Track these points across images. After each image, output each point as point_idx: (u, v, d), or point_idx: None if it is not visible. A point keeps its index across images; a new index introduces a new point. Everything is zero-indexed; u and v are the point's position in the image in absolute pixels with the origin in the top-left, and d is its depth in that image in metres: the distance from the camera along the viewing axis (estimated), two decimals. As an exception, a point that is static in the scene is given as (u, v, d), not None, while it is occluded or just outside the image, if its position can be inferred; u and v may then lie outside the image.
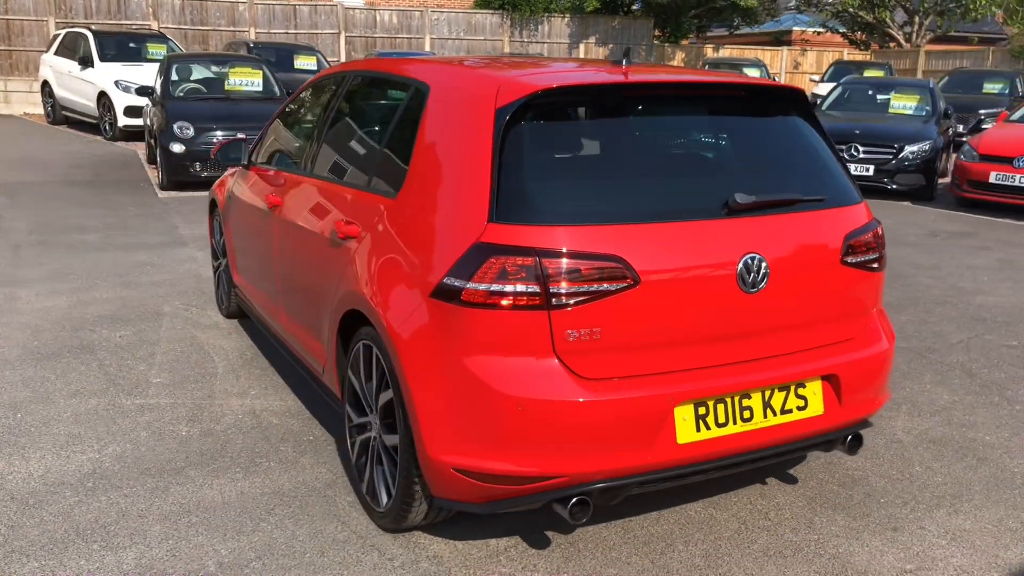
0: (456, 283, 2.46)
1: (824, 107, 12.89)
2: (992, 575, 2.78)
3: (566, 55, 23.96)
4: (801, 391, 2.70)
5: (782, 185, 2.81)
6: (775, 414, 2.65)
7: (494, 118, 2.58)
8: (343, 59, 21.46)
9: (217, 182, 5.36)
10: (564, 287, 2.38)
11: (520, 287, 2.39)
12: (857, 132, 10.93)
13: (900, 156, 10.65)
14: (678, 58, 25.81)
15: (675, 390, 2.48)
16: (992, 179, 9.90)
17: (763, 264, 2.60)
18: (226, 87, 11.43)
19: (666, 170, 2.79)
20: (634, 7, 25.43)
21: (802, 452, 2.99)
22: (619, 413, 2.42)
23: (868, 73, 20.52)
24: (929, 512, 3.16)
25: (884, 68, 21.68)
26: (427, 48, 22.90)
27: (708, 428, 2.55)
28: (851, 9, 25.83)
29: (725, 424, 2.58)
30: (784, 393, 2.66)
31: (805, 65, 27.22)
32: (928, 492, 3.32)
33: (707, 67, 21.26)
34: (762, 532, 2.99)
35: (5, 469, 3.36)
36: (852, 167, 10.86)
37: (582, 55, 24.38)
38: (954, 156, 11.17)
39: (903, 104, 11.87)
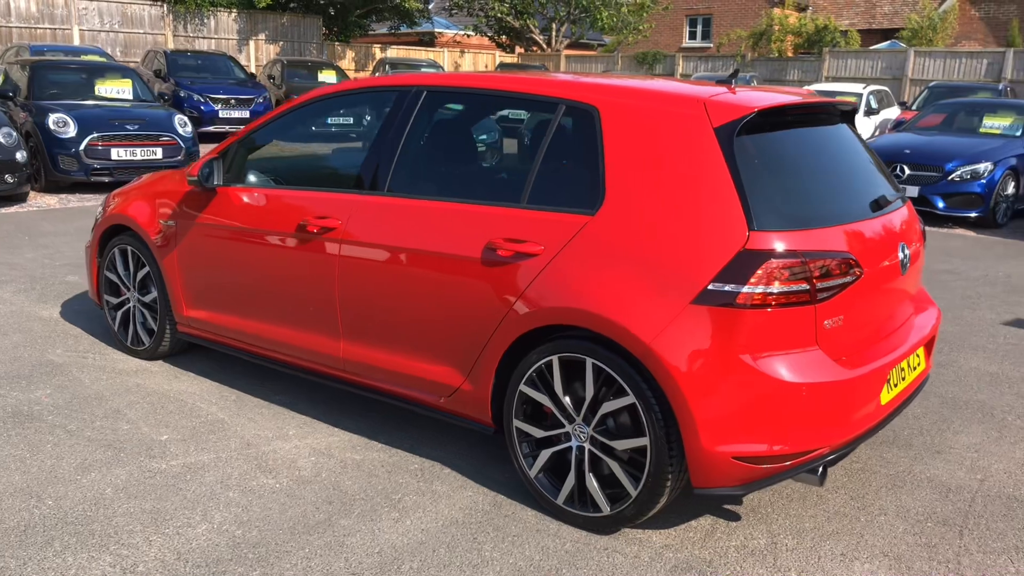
0: (727, 288, 2.70)
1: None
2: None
3: (235, 52, 22.87)
4: (919, 351, 3.35)
5: (888, 186, 3.43)
6: (911, 371, 3.28)
7: (715, 136, 2.85)
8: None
9: (118, 206, 4.68)
10: (823, 283, 2.76)
11: (793, 287, 2.71)
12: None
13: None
14: (348, 57, 25.94)
15: (889, 359, 2.99)
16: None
17: (907, 250, 3.20)
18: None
19: (841, 176, 3.25)
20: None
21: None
22: (865, 385, 2.87)
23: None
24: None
25: (540, 69, 23.92)
26: (76, 41, 20.41)
27: (891, 388, 3.09)
28: (499, 15, 27.98)
29: (897, 384, 3.14)
30: (914, 354, 3.30)
31: (465, 66, 28.92)
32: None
33: (390, 67, 21.76)
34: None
35: (134, 560, 2.82)
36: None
37: (252, 53, 23.46)
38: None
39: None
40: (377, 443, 3.78)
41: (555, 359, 3.04)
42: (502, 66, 24.87)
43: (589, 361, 2.95)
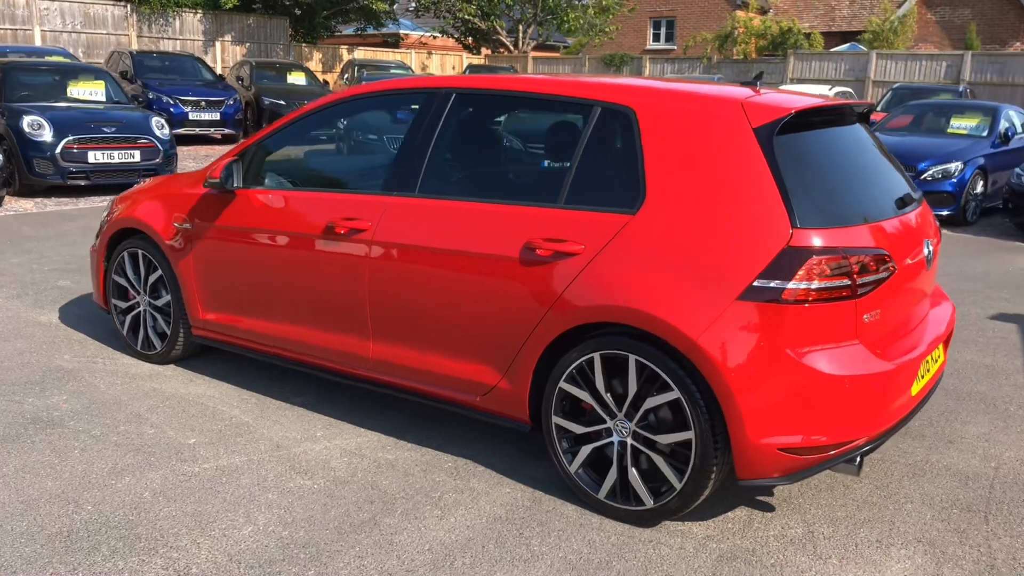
0: (772, 284, 2.79)
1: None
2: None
3: (201, 53, 22.56)
4: (940, 345, 3.47)
5: (907, 185, 3.54)
6: (933, 363, 3.39)
7: (755, 136, 2.93)
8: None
9: (127, 210, 4.64)
10: (863, 279, 2.85)
11: (836, 282, 2.81)
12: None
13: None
14: (315, 58, 25.75)
15: (919, 352, 3.10)
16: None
17: (930, 246, 3.32)
18: None
19: (867, 174, 3.34)
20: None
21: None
22: (900, 377, 2.97)
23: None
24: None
25: (508, 70, 24.01)
26: (37, 42, 20.00)
27: (920, 380, 3.20)
28: (466, 16, 28.00)
29: (923, 376, 3.25)
30: (937, 347, 3.41)
31: (432, 68, 28.88)
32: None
33: (359, 69, 21.66)
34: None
35: (186, 563, 2.82)
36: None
37: (218, 54, 23.19)
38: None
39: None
40: (406, 442, 3.80)
41: (597, 356, 3.09)
42: (471, 67, 24.91)
43: (632, 358, 3.01)
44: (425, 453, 3.70)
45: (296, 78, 19.71)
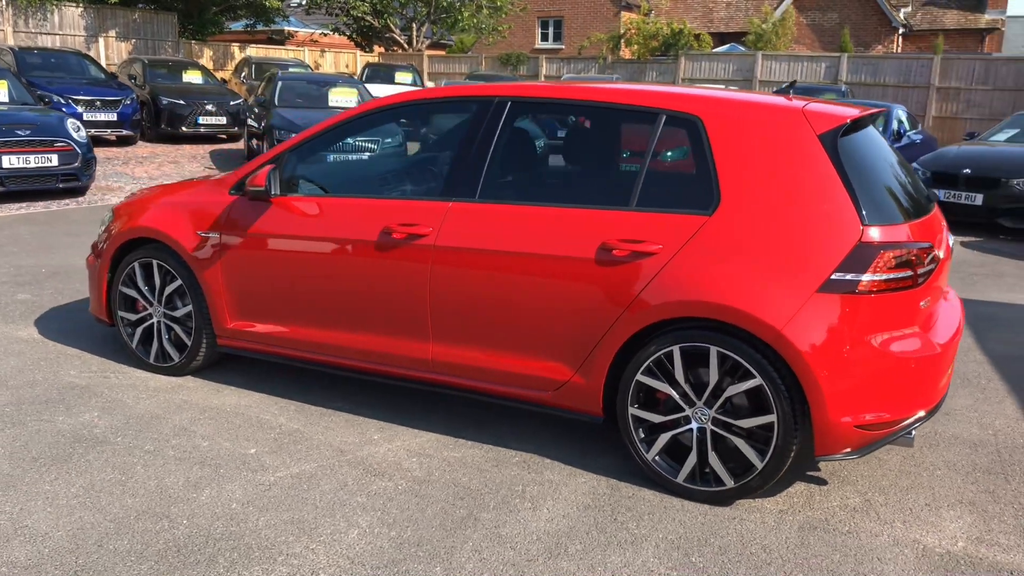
0: (848, 277, 3.08)
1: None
2: None
3: (83, 49, 21.41)
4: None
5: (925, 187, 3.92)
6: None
7: (820, 143, 3.22)
8: None
9: (137, 219, 4.52)
10: (920, 269, 3.19)
11: (901, 274, 3.13)
12: None
13: None
14: (206, 55, 24.87)
15: (953, 334, 3.46)
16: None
17: (949, 240, 3.70)
18: None
19: (898, 173, 3.66)
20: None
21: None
22: (947, 357, 3.33)
23: (400, 77, 22.55)
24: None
25: (409, 69, 23.93)
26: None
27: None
28: (359, 14, 27.68)
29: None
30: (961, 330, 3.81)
31: (325, 66, 28.39)
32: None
33: (256, 67, 21.11)
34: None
35: (311, 568, 2.85)
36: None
37: (102, 51, 22.06)
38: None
39: None
40: (464, 440, 3.91)
41: (676, 349, 3.31)
42: (370, 66, 24.64)
43: (714, 349, 3.24)
44: (488, 450, 3.82)
45: (192, 76, 19.01)
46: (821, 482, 3.60)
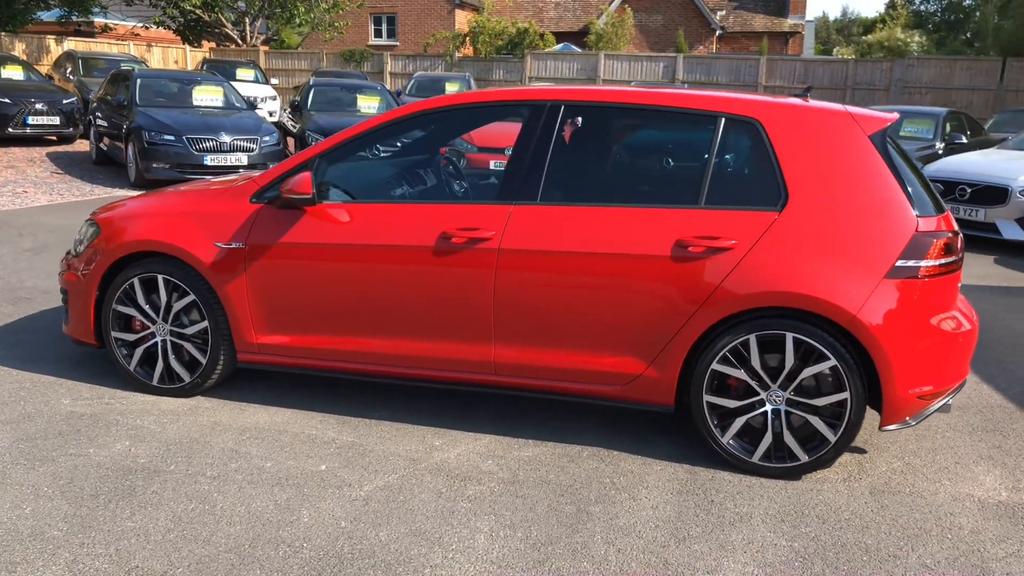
0: (910, 264, 3.44)
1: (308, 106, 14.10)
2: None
3: None
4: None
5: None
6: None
7: (872, 143, 3.57)
8: None
9: (136, 231, 4.23)
10: (960, 254, 3.60)
11: (951, 259, 3.53)
12: None
13: None
14: (19, 49, 22.69)
15: (968, 313, 3.92)
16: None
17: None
18: None
19: (917, 172, 4.04)
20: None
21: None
22: (975, 333, 3.76)
23: (241, 73, 21.67)
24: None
25: (249, 65, 23.02)
26: None
27: (966, 336, 4.04)
28: (189, 7, 26.24)
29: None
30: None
31: (153, 61, 26.67)
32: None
33: (81, 61, 19.58)
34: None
35: (466, 578, 2.85)
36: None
37: None
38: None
39: None
40: (527, 440, 3.97)
41: (752, 337, 3.55)
42: (208, 63, 23.38)
43: (790, 335, 3.51)
44: (552, 447, 3.90)
45: (12, 72, 17.32)
46: (860, 451, 3.96)
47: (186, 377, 4.29)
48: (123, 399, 4.28)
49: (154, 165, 11.67)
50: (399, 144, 4.76)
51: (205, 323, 4.19)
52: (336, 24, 29.09)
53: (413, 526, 3.17)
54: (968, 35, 35.67)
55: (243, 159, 12.00)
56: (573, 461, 3.77)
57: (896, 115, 3.80)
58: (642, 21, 32.42)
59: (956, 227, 3.69)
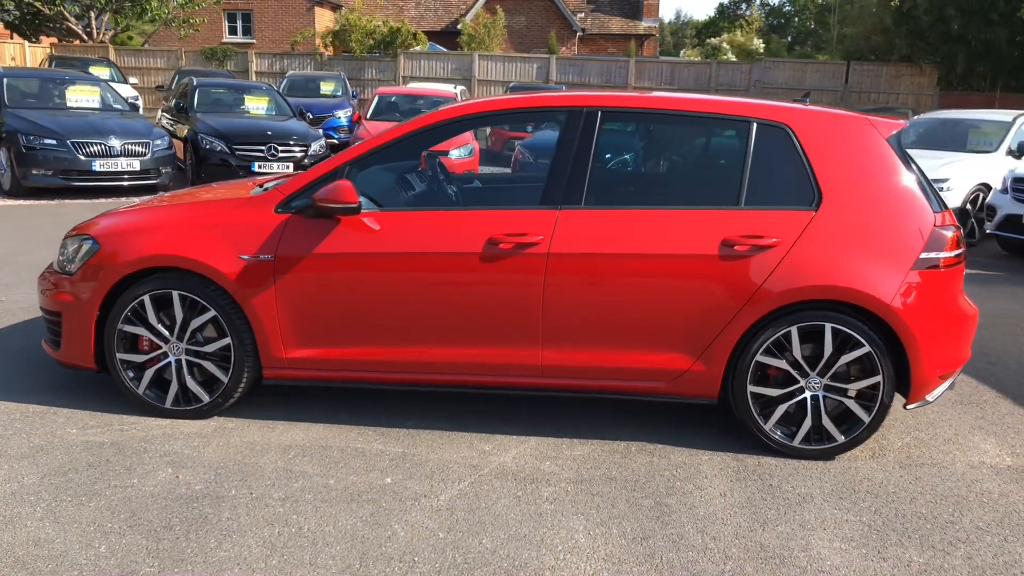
0: (932, 255, 3.78)
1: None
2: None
3: None
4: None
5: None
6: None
7: (890, 146, 3.89)
8: None
9: (149, 244, 3.99)
10: (965, 247, 3.98)
11: (960, 251, 3.89)
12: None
13: None
14: None
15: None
16: None
17: None
18: None
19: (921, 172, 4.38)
20: None
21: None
22: (977, 316, 4.16)
23: (95, 71, 20.38)
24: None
25: (101, 63, 21.67)
26: None
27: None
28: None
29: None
30: None
31: (-11, 58, 24.52)
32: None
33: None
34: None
35: (591, 577, 2.91)
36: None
37: None
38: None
39: None
40: (571, 439, 4.05)
41: (794, 329, 3.78)
42: (56, 59, 21.71)
43: (828, 326, 3.77)
44: (600, 444, 4.00)
45: None
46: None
47: (204, 397, 4.08)
48: (136, 425, 4.02)
49: (34, 172, 10.81)
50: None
51: (227, 340, 4.01)
52: (191, 20, 27.77)
53: (510, 531, 3.19)
54: (812, 42, 38.40)
55: (135, 164, 11.33)
56: (625, 457, 3.88)
57: (904, 121, 4.14)
58: (506, 22, 32.82)
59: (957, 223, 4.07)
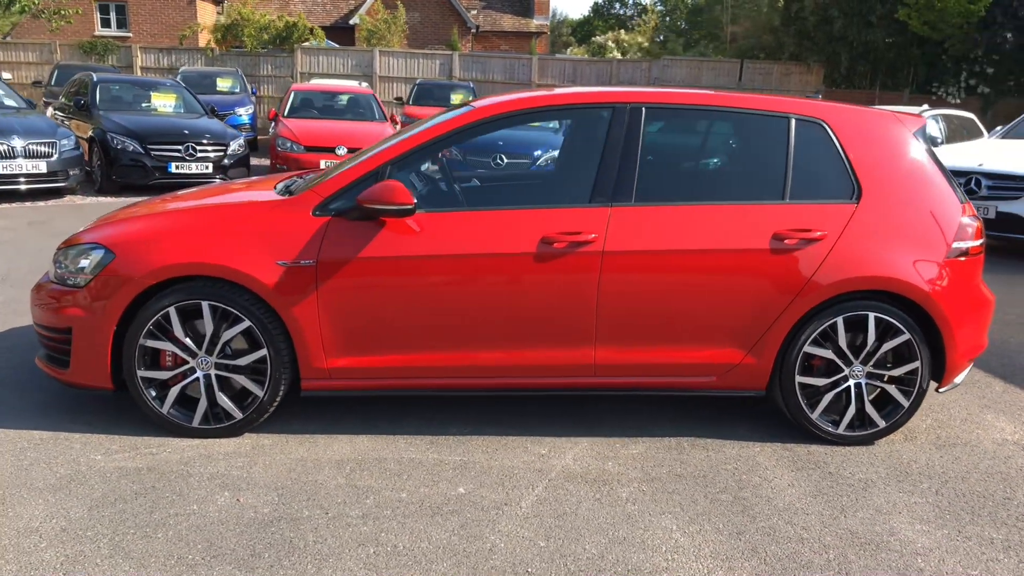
0: (962, 245, 3.96)
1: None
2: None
3: None
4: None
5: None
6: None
7: (917, 139, 4.05)
8: None
9: (169, 252, 3.70)
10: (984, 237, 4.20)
11: (983, 240, 4.10)
12: None
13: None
14: None
15: None
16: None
17: None
18: None
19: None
20: None
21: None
22: (994, 302, 4.38)
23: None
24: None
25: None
26: None
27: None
28: None
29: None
30: None
31: None
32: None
33: None
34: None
35: (711, 576, 2.89)
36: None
37: None
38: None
39: None
40: (622, 438, 4.03)
41: (840, 319, 3.89)
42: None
43: (872, 315, 3.89)
44: (654, 441, 4.00)
45: None
46: (893, 413, 4.46)
47: (237, 414, 3.83)
48: (163, 447, 3.73)
49: (-72, 176, 9.90)
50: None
51: (263, 351, 3.77)
52: (63, 11, 26.06)
53: (607, 535, 3.14)
54: (706, 40, 39.63)
55: (40, 166, 10.54)
56: (681, 453, 3.89)
57: (925, 117, 4.32)
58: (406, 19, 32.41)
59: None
